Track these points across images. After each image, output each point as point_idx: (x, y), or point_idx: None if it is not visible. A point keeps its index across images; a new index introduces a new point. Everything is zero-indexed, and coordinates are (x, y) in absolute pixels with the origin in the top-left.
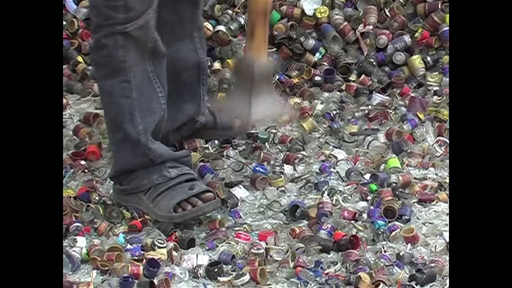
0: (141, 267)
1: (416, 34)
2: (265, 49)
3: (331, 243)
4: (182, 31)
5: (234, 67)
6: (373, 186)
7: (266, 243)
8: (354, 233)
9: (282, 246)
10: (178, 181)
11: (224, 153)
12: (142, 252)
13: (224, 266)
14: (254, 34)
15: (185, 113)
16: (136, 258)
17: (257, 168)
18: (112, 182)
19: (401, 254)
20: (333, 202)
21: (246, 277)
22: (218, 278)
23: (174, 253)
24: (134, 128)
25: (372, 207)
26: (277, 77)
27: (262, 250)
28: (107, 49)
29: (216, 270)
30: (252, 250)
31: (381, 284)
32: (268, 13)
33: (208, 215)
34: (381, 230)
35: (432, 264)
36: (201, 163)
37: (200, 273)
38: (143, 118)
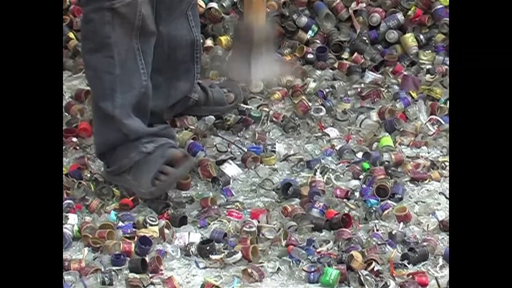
0: (133, 245)
1: (409, 12)
2: (263, 11)
3: (323, 222)
4: (179, 9)
5: (234, 32)
6: (366, 165)
7: (258, 221)
8: (346, 212)
9: (274, 224)
10: (154, 154)
11: (215, 131)
12: (134, 229)
13: (216, 244)
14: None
15: (179, 90)
16: (127, 235)
17: (251, 148)
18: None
19: (393, 233)
20: (325, 180)
21: (238, 255)
22: (210, 256)
23: (166, 230)
24: (112, 104)
25: (364, 186)
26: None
27: (254, 228)
28: (93, 23)
29: (208, 248)
30: (244, 228)
31: (373, 263)
32: None
33: (200, 193)
34: (374, 208)
35: (425, 243)
36: (192, 141)
37: (192, 251)
38: (122, 94)
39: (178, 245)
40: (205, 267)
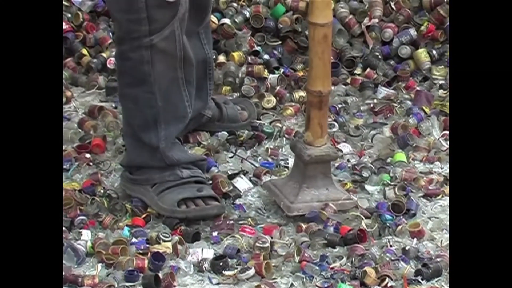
0: (146, 261)
1: (422, 28)
2: (322, 133)
3: (338, 238)
4: (190, 28)
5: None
6: (386, 177)
7: (271, 237)
8: (361, 228)
9: (286, 240)
10: (187, 180)
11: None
12: (147, 245)
13: (229, 260)
14: (309, 117)
15: (194, 108)
16: (141, 251)
17: (264, 164)
18: (116, 173)
19: (407, 248)
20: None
21: (251, 271)
22: (223, 272)
23: (179, 246)
24: (156, 135)
25: (382, 201)
26: (282, 70)
27: (267, 244)
28: (132, 61)
29: (221, 264)
30: (257, 244)
31: (387, 279)
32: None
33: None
34: (388, 224)
35: (438, 259)
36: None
37: (205, 267)
38: (166, 125)
39: (191, 261)
40: (218, 283)
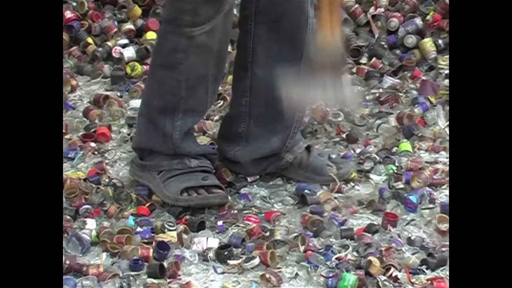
0: (151, 250)
1: (428, 17)
2: (332, 35)
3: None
4: (283, 55)
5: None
6: (390, 167)
7: (273, 224)
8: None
9: (290, 228)
10: (195, 170)
11: None
12: (152, 234)
13: (234, 249)
14: (320, 19)
15: (268, 145)
16: (146, 240)
17: None
18: (121, 162)
19: (412, 238)
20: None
21: (256, 260)
22: (228, 261)
23: (184, 235)
24: (172, 123)
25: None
26: None
27: (267, 233)
28: (168, 45)
29: (226, 253)
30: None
31: (392, 268)
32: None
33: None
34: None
35: (443, 249)
36: (210, 145)
37: (210, 256)
38: (184, 116)
39: (196, 250)
40: (223, 272)
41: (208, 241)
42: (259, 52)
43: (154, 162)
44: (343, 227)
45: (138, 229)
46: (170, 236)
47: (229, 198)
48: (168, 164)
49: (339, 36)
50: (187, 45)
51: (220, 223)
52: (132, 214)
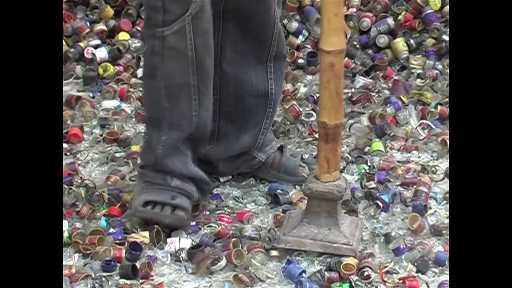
0: (124, 251)
1: (400, 17)
2: (328, 169)
3: None
4: (250, 53)
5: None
6: (363, 166)
7: (244, 223)
8: None
9: (262, 227)
10: (172, 189)
11: None
12: (125, 235)
13: (206, 248)
14: (318, 149)
15: (239, 143)
16: (118, 241)
17: None
18: (93, 163)
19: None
20: None
21: (223, 262)
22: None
23: (157, 236)
24: (157, 136)
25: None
26: None
27: (237, 232)
28: (147, 50)
29: (197, 253)
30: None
31: (365, 268)
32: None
33: None
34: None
35: (419, 247)
36: None
37: (182, 257)
38: (169, 130)
39: (168, 250)
40: (194, 273)
41: (180, 241)
42: (227, 48)
43: (144, 171)
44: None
45: (111, 230)
46: (142, 236)
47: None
48: (152, 177)
49: (337, 170)
50: (160, 47)
51: (193, 223)
52: (104, 215)
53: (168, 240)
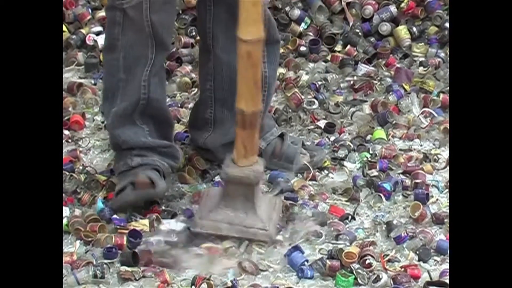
0: (125, 238)
1: (402, 5)
2: (246, 154)
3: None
4: None
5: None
6: (364, 154)
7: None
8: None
9: None
10: (136, 169)
11: None
12: (127, 222)
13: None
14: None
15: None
16: (119, 228)
17: None
18: (94, 150)
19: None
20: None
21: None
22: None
23: (156, 224)
24: (109, 109)
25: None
26: None
27: None
28: (108, 21)
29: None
30: None
31: (367, 256)
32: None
33: (192, 186)
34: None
35: (421, 236)
36: (184, 133)
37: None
38: (121, 101)
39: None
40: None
41: (174, 224)
42: (219, 33)
43: (115, 164)
44: (316, 213)
45: (107, 213)
46: (142, 224)
47: (204, 185)
48: (117, 167)
49: (254, 154)
50: (121, 18)
51: (189, 207)
52: (103, 198)
53: (162, 226)
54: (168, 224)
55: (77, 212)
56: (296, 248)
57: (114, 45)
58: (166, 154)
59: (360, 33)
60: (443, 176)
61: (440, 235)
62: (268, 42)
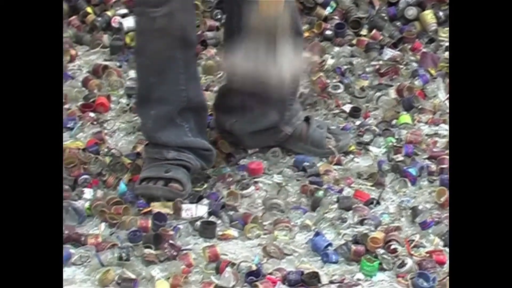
0: (150, 221)
1: None
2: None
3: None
4: None
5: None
6: (390, 139)
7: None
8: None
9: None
10: (168, 162)
11: None
12: (149, 205)
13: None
14: None
15: (267, 118)
16: (143, 211)
17: None
18: (119, 133)
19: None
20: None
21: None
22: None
23: (180, 206)
24: (147, 111)
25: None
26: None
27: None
28: (136, 27)
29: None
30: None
31: (392, 241)
32: None
33: (216, 170)
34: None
35: (446, 221)
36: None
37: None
38: (158, 105)
39: (185, 217)
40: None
41: (197, 209)
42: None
43: (146, 147)
44: (340, 198)
45: (129, 195)
46: (166, 206)
47: (228, 168)
48: (150, 152)
49: (282, 3)
50: (149, 25)
51: (213, 191)
52: (127, 181)
53: (184, 206)
54: (192, 209)
55: (100, 194)
56: (320, 232)
57: (143, 49)
58: (202, 156)
59: (386, 17)
60: None
61: None
62: (293, 35)
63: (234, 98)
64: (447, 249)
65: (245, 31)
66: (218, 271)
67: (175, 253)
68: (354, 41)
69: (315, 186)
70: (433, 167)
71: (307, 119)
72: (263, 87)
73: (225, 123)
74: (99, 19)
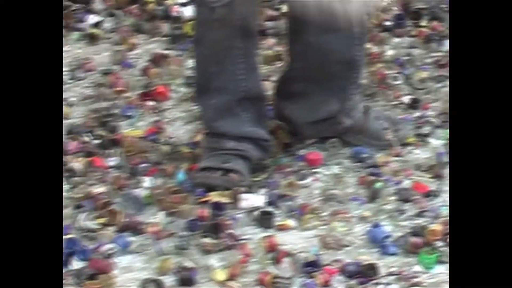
0: (208, 210)
1: None
2: None
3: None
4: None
5: None
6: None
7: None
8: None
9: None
10: (227, 152)
11: None
12: (207, 194)
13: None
14: None
15: (327, 107)
16: (201, 200)
17: None
18: (179, 122)
19: None
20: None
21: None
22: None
23: (238, 195)
24: (207, 101)
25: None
26: None
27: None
28: (196, 17)
29: (268, 218)
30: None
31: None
32: None
33: (274, 160)
34: None
35: None
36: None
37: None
38: (218, 94)
39: (243, 207)
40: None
41: (255, 199)
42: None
43: (205, 137)
44: (400, 190)
45: (187, 184)
46: (224, 195)
47: (285, 159)
48: (209, 142)
49: None
50: (209, 16)
51: (272, 180)
52: (185, 170)
53: (243, 196)
54: (250, 198)
55: (158, 182)
56: (378, 224)
57: (203, 38)
58: (261, 146)
59: (446, 9)
60: None
61: None
62: (363, 26)
63: (295, 84)
64: None
65: None
66: (276, 261)
67: (233, 243)
68: (413, 32)
69: (374, 177)
70: None
71: (365, 110)
72: (328, 18)
73: (284, 110)
74: (159, 8)
